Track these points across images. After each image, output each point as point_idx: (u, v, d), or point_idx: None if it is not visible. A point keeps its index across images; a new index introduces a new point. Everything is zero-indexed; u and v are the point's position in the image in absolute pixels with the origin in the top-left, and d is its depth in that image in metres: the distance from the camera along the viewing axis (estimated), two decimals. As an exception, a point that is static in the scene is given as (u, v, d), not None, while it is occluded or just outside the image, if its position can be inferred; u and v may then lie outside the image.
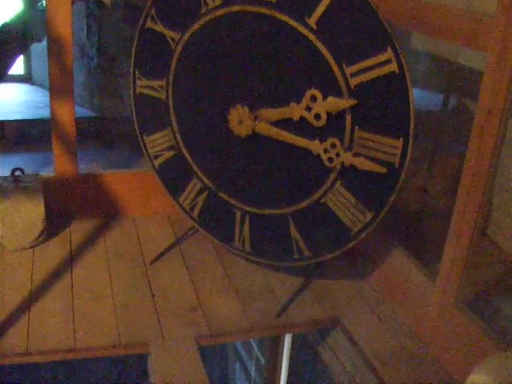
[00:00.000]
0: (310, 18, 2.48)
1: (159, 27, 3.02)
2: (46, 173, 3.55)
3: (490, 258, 3.38)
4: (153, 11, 3.01)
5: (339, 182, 2.67)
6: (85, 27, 4.78)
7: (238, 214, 3.09)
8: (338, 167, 2.63)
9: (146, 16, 3.05)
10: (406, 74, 2.34)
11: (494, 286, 3.16)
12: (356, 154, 2.56)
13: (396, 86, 2.39)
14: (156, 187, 3.42)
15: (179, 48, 2.98)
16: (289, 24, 2.56)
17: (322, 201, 2.76)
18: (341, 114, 2.54)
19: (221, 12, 2.78)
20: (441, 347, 2.64)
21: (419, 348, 2.76)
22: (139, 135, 3.35)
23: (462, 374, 2.49)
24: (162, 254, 3.35)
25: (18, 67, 5.59)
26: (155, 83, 3.16)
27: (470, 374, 2.40)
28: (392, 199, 2.55)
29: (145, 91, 3.22)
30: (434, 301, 2.67)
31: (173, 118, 3.16)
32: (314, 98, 2.58)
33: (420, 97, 4.41)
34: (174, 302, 2.99)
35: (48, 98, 3.36)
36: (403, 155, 2.45)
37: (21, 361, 2.60)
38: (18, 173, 3.33)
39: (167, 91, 3.12)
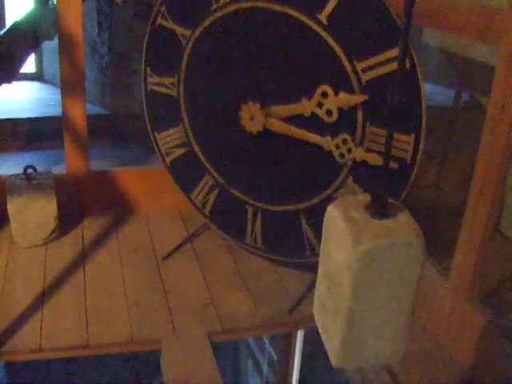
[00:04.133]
0: (320, 14, 2.48)
1: (170, 24, 3.02)
2: (58, 170, 3.57)
3: (503, 254, 3.35)
4: (163, 8, 3.01)
5: (351, 177, 2.66)
6: (96, 24, 4.79)
7: (250, 211, 3.09)
8: (350, 163, 2.62)
9: (156, 13, 3.05)
10: (418, 69, 2.33)
11: (507, 282, 3.14)
12: (368, 150, 2.55)
13: (407, 81, 2.37)
14: (168, 184, 3.42)
15: (190, 45, 2.98)
16: (299, 20, 2.55)
17: (333, 197, 2.75)
18: (352, 110, 2.53)
19: (231, 8, 2.78)
20: (454, 343, 2.63)
21: (432, 344, 2.75)
22: (151, 132, 3.36)
23: (476, 369, 2.49)
24: (174, 250, 3.36)
25: (29, 65, 5.62)
26: (166, 80, 3.16)
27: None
28: (404, 195, 2.54)
29: (156, 88, 3.23)
30: (446, 297, 2.65)
31: (184, 114, 3.16)
32: (325, 94, 2.56)
33: (432, 92, 4.39)
34: (186, 298, 2.99)
35: (59, 96, 3.37)
36: (415, 151, 2.44)
37: (34, 357, 2.61)
38: (30, 170, 3.34)
39: (178, 88, 3.13)
